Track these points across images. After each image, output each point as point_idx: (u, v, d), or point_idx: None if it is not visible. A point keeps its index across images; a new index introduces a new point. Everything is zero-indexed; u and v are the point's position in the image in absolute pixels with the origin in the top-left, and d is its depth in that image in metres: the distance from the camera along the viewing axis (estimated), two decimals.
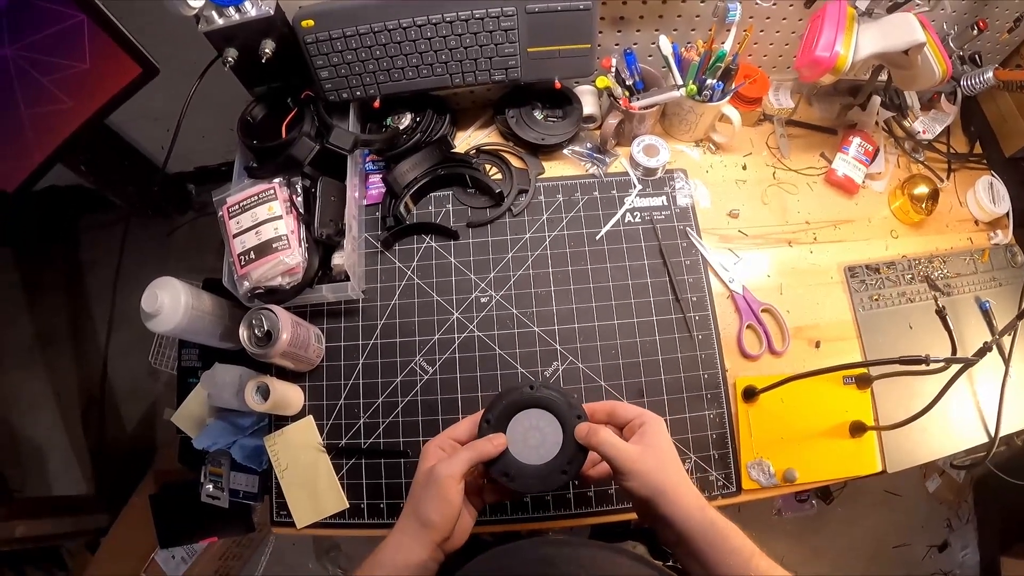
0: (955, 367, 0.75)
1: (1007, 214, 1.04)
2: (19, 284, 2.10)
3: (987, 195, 1.04)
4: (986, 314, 0.98)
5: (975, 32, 0.97)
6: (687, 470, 0.84)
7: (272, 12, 0.80)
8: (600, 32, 0.93)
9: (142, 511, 1.46)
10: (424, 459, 0.62)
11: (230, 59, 0.83)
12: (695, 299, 0.93)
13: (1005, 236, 1.04)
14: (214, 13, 0.79)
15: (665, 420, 0.86)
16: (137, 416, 1.94)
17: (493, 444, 0.60)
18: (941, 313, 0.90)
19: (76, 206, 1.99)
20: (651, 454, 0.58)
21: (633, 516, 0.84)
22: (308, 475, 0.87)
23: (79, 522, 1.69)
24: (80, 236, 2.10)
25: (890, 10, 0.89)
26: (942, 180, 1.08)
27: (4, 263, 2.10)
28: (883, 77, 1.04)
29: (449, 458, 0.59)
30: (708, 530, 0.55)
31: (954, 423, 0.92)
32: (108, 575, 1.55)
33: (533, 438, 0.62)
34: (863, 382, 0.90)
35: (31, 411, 1.99)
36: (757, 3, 0.90)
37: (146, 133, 1.60)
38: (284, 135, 0.90)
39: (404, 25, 0.83)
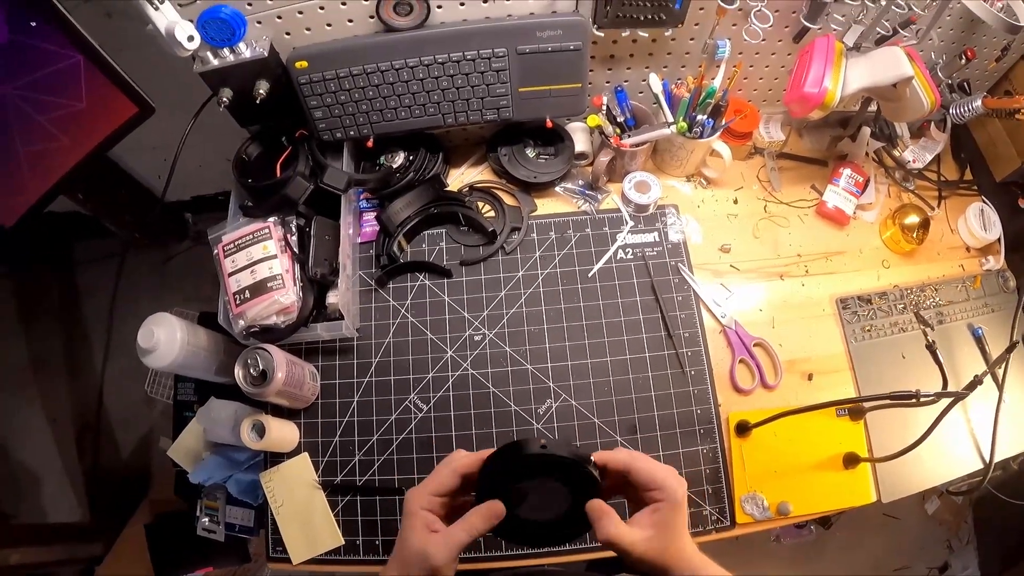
0: (946, 400, 0.75)
1: (998, 239, 1.05)
2: (14, 309, 2.10)
3: (978, 221, 1.05)
4: (979, 341, 0.99)
5: (963, 61, 0.98)
6: None
7: (266, 53, 0.81)
8: (591, 70, 0.94)
9: (137, 540, 1.46)
10: (410, 521, 0.54)
11: (225, 99, 0.84)
12: (687, 335, 0.94)
13: (997, 262, 1.05)
14: (209, 54, 0.80)
15: (658, 455, 0.87)
16: (132, 444, 1.94)
17: (487, 517, 0.53)
18: (931, 347, 0.90)
19: (73, 233, 2.00)
20: (661, 538, 0.52)
21: None
22: (304, 511, 0.87)
23: (73, 550, 1.68)
24: (77, 262, 2.10)
25: (878, 42, 0.90)
26: (933, 208, 1.09)
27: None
28: (872, 108, 1.05)
29: (444, 542, 0.52)
30: None
31: (948, 451, 0.92)
32: None
33: (535, 497, 0.54)
34: (856, 414, 0.91)
35: (25, 436, 1.98)
36: (746, 39, 0.90)
37: (143, 162, 1.61)
38: (279, 174, 0.90)
39: (397, 66, 0.84)
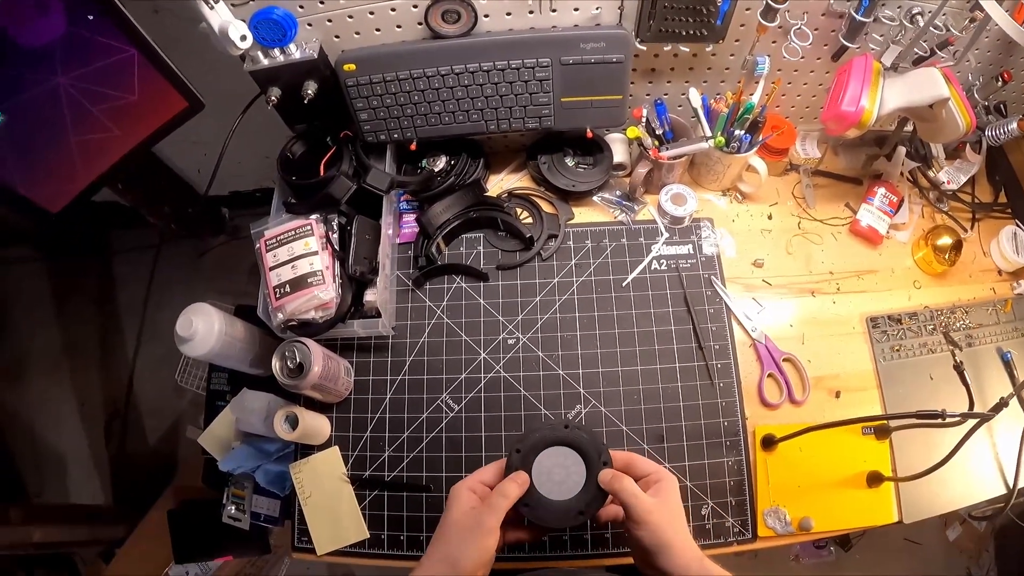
0: (971, 421, 0.75)
1: None
2: (50, 294, 2.15)
3: (1011, 245, 1.04)
4: (1007, 365, 0.98)
5: (1000, 83, 0.98)
6: (704, 515, 0.86)
7: (315, 55, 0.83)
8: (632, 83, 0.96)
9: (159, 525, 1.48)
10: (456, 502, 0.63)
11: (273, 98, 0.86)
12: (718, 347, 0.94)
13: None
14: (260, 54, 0.82)
15: (684, 465, 0.88)
16: (160, 431, 1.97)
17: (518, 483, 0.63)
18: (959, 368, 0.91)
19: (111, 222, 2.04)
20: (664, 509, 0.62)
21: None
22: (331, 504, 0.89)
23: (95, 531, 1.71)
24: (113, 251, 2.15)
25: (915, 63, 0.91)
26: (966, 230, 1.08)
27: (37, 272, 2.16)
28: (908, 128, 1.05)
29: (489, 508, 0.61)
30: None
31: (972, 474, 0.91)
32: None
33: (558, 474, 0.66)
34: (882, 432, 0.90)
35: (55, 418, 2.03)
36: (785, 56, 0.91)
37: (185, 155, 1.65)
38: (322, 173, 0.92)
39: (443, 72, 0.86)
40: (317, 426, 0.89)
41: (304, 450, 0.92)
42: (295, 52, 0.83)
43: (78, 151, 1.07)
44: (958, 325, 1.00)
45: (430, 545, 0.62)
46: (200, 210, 1.81)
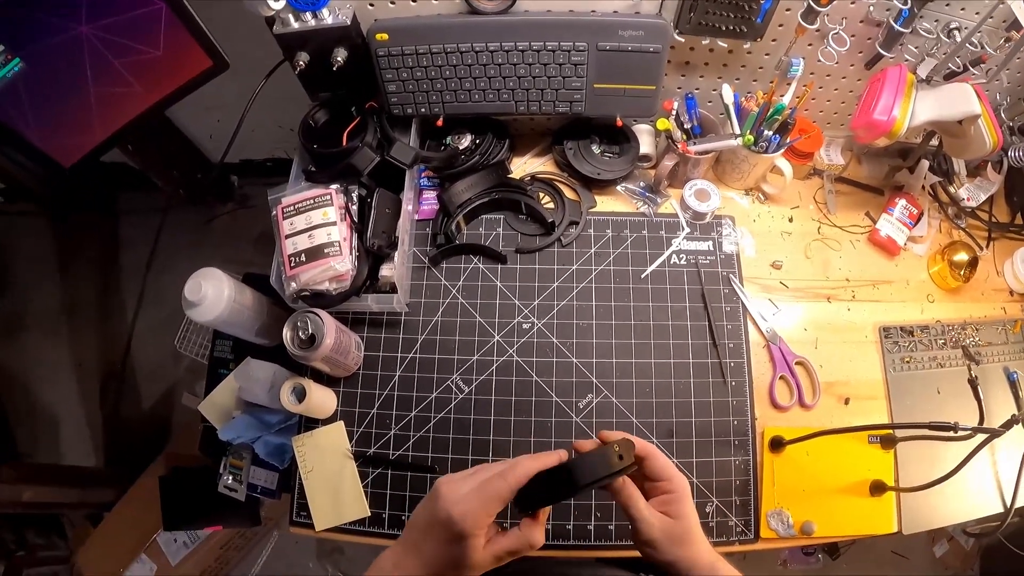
0: (980, 436, 0.76)
1: None
2: (53, 252, 2.13)
3: None
4: (1013, 385, 0.98)
5: None
6: (708, 513, 0.85)
7: (348, 22, 0.82)
8: (665, 74, 0.95)
9: (150, 491, 1.48)
10: (473, 541, 0.53)
11: (301, 63, 0.84)
12: (732, 346, 0.94)
13: None
14: (291, 16, 0.81)
15: (692, 462, 0.88)
16: (155, 397, 1.96)
17: (533, 542, 0.55)
18: (973, 383, 0.92)
19: (118, 183, 2.02)
20: (678, 530, 0.57)
21: None
22: (333, 479, 0.88)
23: (85, 494, 1.71)
24: (119, 213, 2.13)
25: (947, 78, 0.90)
26: (981, 248, 1.08)
27: (40, 230, 2.14)
28: (934, 142, 1.05)
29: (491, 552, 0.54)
30: None
31: (972, 491, 0.92)
32: (108, 549, 1.56)
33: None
34: (888, 442, 0.90)
35: (50, 378, 2.02)
36: (820, 60, 0.91)
37: (197, 120, 1.63)
38: (345, 143, 0.91)
39: (477, 49, 0.85)
40: (323, 399, 0.88)
41: (308, 423, 0.91)
42: (327, 17, 0.81)
43: (96, 104, 1.05)
44: (968, 342, 1.00)
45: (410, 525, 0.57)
46: (210, 177, 1.80)
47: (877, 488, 0.88)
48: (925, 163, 1.08)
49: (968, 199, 1.08)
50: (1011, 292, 1.07)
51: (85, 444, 1.91)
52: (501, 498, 0.53)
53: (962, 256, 1.00)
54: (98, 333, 2.02)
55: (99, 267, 2.09)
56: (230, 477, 1.02)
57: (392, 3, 0.84)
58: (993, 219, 1.11)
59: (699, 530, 0.58)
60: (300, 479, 0.89)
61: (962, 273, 1.00)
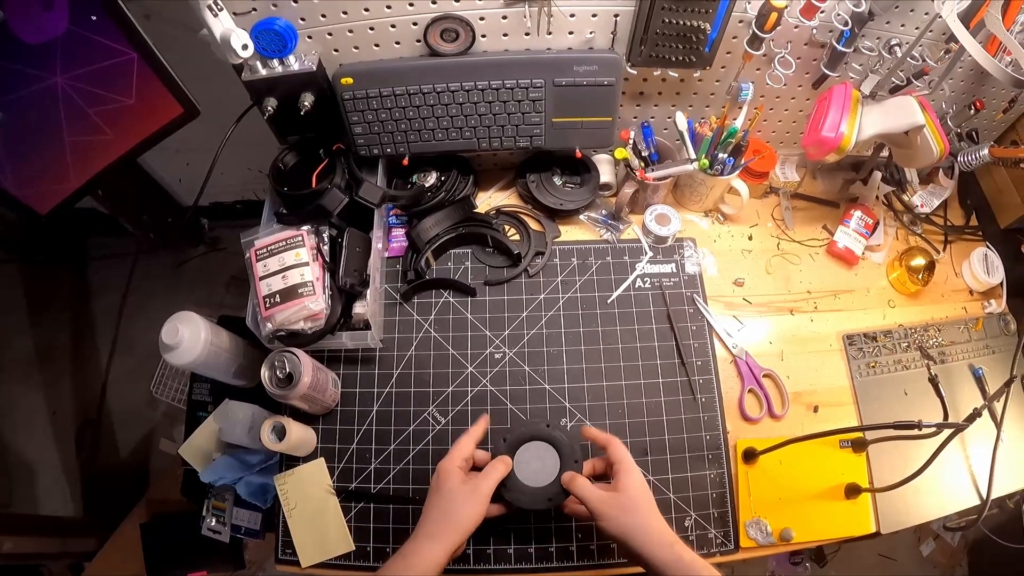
0: (947, 432, 0.78)
1: (1000, 284, 1.08)
2: (24, 299, 2.10)
3: (982, 266, 1.08)
4: (979, 380, 1.01)
5: (972, 111, 1.02)
6: (687, 527, 0.87)
7: (314, 68, 0.84)
8: (620, 106, 0.98)
9: (131, 539, 1.45)
10: (449, 476, 0.73)
11: (270, 108, 0.86)
12: (700, 363, 0.96)
13: (999, 305, 1.08)
14: (258, 63, 0.82)
15: (668, 478, 0.89)
16: (132, 442, 1.93)
17: (504, 464, 0.76)
18: (934, 381, 0.95)
19: (88, 228, 2.00)
20: (621, 499, 0.69)
21: (636, 569, 0.85)
22: (316, 515, 0.88)
23: (66, 544, 1.67)
24: (90, 259, 2.11)
25: (892, 91, 0.94)
26: (939, 252, 1.12)
27: (11, 278, 2.11)
28: (884, 154, 1.09)
29: (484, 478, 0.73)
30: (675, 564, 0.64)
31: (947, 486, 0.94)
32: None
33: (535, 464, 0.78)
34: (859, 446, 0.92)
35: (25, 426, 1.98)
36: (768, 83, 0.94)
37: (166, 163, 1.63)
38: (315, 184, 0.93)
39: (439, 89, 0.87)
40: (304, 437, 0.89)
41: (289, 462, 0.91)
42: (294, 63, 0.83)
43: (71, 152, 1.06)
44: (931, 343, 1.03)
45: (426, 513, 0.72)
46: (180, 220, 1.79)
47: (852, 491, 0.90)
48: (878, 174, 1.12)
49: (922, 206, 1.12)
50: (971, 291, 1.10)
51: (63, 492, 1.87)
52: (462, 445, 0.76)
53: (919, 261, 1.04)
54: (72, 381, 1.99)
55: (71, 314, 2.07)
56: (213, 519, 1.01)
57: (356, 48, 0.86)
58: (948, 223, 1.15)
59: (649, 503, 0.70)
60: (284, 517, 0.88)
61: (920, 277, 1.03)
